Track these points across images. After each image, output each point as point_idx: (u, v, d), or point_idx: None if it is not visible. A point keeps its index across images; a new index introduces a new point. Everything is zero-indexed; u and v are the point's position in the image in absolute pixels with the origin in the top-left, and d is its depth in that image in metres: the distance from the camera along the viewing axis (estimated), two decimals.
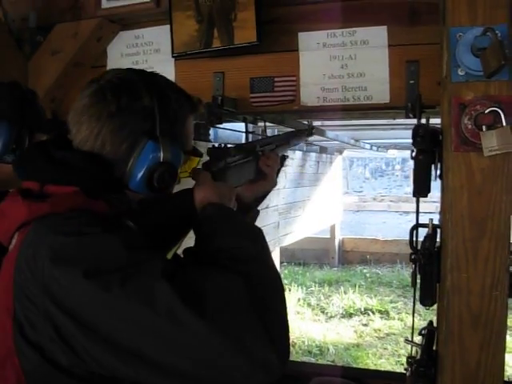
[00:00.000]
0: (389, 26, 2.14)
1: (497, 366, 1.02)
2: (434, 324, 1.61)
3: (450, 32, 1.00)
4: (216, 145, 1.44)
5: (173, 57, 2.32)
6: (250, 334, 0.90)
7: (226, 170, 1.38)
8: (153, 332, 0.90)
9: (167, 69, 2.42)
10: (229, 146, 1.46)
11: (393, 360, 5.88)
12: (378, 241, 10.58)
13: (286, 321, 0.99)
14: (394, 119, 4.08)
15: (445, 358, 1.06)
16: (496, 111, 0.91)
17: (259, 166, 1.44)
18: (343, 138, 5.40)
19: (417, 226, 1.60)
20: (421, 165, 1.36)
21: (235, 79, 2.33)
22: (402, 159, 27.10)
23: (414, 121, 5.08)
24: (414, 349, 1.55)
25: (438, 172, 1.44)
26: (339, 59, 2.22)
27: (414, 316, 1.87)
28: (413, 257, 1.51)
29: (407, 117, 2.15)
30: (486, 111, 0.92)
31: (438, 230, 1.48)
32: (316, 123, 4.44)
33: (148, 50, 2.47)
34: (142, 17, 2.41)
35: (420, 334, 1.57)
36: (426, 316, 6.91)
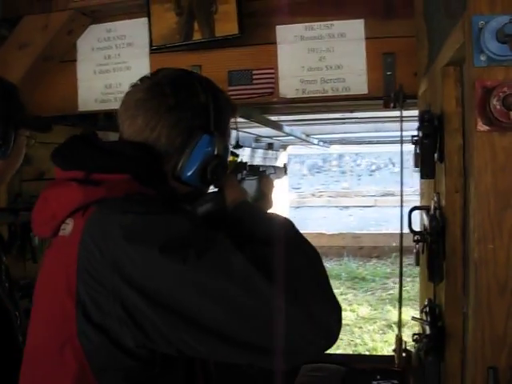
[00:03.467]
0: (365, 19, 2.23)
1: None
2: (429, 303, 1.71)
3: (472, 20, 1.09)
4: (238, 160, 1.56)
5: (152, 50, 2.33)
6: (315, 301, 0.96)
7: (241, 182, 1.50)
8: (228, 302, 0.94)
9: (142, 62, 2.43)
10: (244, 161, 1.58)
11: (349, 349, 6.05)
12: (324, 235, 10.78)
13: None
14: (352, 112, 4.21)
15: (474, 325, 1.15)
16: None
17: (261, 187, 1.56)
18: (296, 132, 5.52)
19: (414, 208, 1.70)
20: (426, 148, 1.45)
21: (213, 72, 2.35)
22: (339, 155, 27.64)
23: (369, 114, 5.22)
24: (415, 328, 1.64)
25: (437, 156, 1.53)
26: (317, 52, 2.29)
27: (401, 289, 1.96)
28: (416, 237, 1.60)
29: (386, 107, 2.25)
30: None
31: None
32: (273, 118, 4.49)
33: (121, 44, 2.46)
34: (116, 10, 2.40)
35: (422, 311, 1.66)
36: (377, 306, 7.17)
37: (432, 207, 1.53)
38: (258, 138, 6.92)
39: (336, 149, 13.23)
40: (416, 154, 1.58)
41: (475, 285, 1.14)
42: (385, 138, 9.42)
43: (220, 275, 0.95)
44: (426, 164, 1.47)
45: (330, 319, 0.96)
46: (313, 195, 20.04)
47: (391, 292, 7.72)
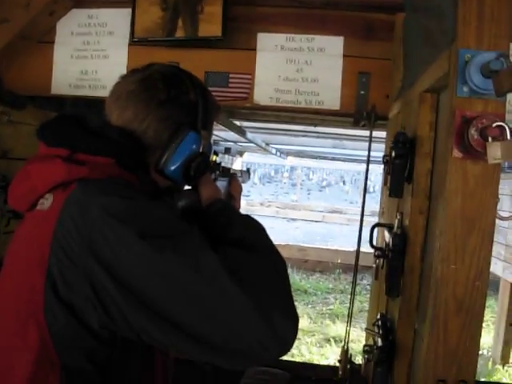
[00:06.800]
0: (345, 37, 2.33)
1: (474, 345, 1.19)
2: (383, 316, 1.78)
3: (458, 52, 1.17)
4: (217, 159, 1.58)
5: (133, 41, 2.34)
6: (276, 309, 0.98)
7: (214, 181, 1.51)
8: (192, 297, 0.96)
9: (120, 53, 2.44)
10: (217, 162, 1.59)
11: (286, 359, 6.11)
12: None
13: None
14: (315, 126, 4.30)
15: (429, 340, 1.22)
16: (502, 126, 1.08)
17: (230, 189, 1.58)
18: (257, 140, 5.57)
19: (376, 225, 1.77)
20: (398, 168, 1.52)
21: (189, 71, 2.40)
22: (291, 167, 27.92)
23: (329, 130, 5.29)
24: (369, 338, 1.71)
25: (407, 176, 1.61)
26: (295, 63, 2.37)
27: (352, 302, 2.02)
28: (376, 253, 1.68)
29: (356, 125, 2.34)
30: (494, 125, 1.09)
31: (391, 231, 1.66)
32: (237, 123, 4.53)
33: (101, 32, 2.46)
34: None
35: (374, 324, 1.73)
36: (317, 319, 7.28)
37: (395, 225, 1.61)
38: (216, 141, 6.94)
39: (289, 161, 13.36)
40: (385, 173, 1.65)
41: (434, 301, 1.21)
42: (340, 155, 9.60)
43: (190, 270, 0.97)
44: (396, 183, 1.54)
45: (287, 328, 0.98)
46: (261, 204, 20.11)
47: (331, 307, 7.83)
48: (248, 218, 1.27)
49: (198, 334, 0.97)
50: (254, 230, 1.19)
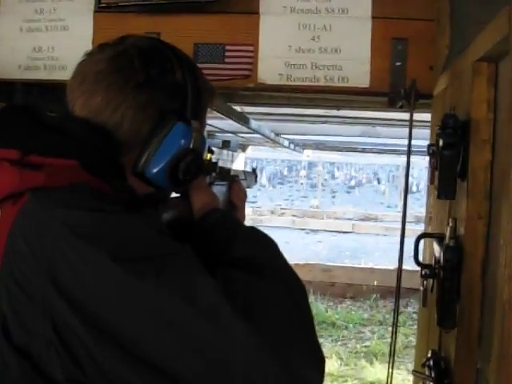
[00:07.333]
0: None
1: None
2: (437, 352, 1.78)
3: None
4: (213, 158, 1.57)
5: (99, 7, 2.35)
6: (295, 349, 0.98)
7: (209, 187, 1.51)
8: (185, 336, 0.94)
9: (83, 22, 2.45)
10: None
11: None
12: None
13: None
14: (339, 110, 4.29)
15: (497, 383, 1.21)
16: None
17: (230, 196, 1.57)
18: (264, 130, 5.56)
19: (422, 235, 1.77)
20: (447, 161, 1.52)
21: (174, 43, 2.40)
22: (309, 163, 27.80)
23: (356, 113, 5.31)
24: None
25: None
26: (310, 29, 2.36)
27: (395, 337, 2.02)
28: (424, 272, 1.67)
29: (391, 106, 2.33)
30: None
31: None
32: (235, 107, 4.53)
33: None
34: None
35: (424, 364, 1.73)
36: (349, 360, 7.27)
37: (447, 235, 1.60)
38: (211, 133, 6.96)
39: (307, 155, 13.33)
40: (432, 168, 1.65)
41: (501, 333, 1.20)
42: (372, 145, 9.61)
43: (181, 301, 0.96)
44: (446, 181, 1.54)
45: (310, 373, 0.98)
46: (272, 213, 20.11)
47: (367, 344, 7.81)
48: (255, 231, 1.27)
49: (193, 383, 0.95)
50: (262, 246, 1.20)
